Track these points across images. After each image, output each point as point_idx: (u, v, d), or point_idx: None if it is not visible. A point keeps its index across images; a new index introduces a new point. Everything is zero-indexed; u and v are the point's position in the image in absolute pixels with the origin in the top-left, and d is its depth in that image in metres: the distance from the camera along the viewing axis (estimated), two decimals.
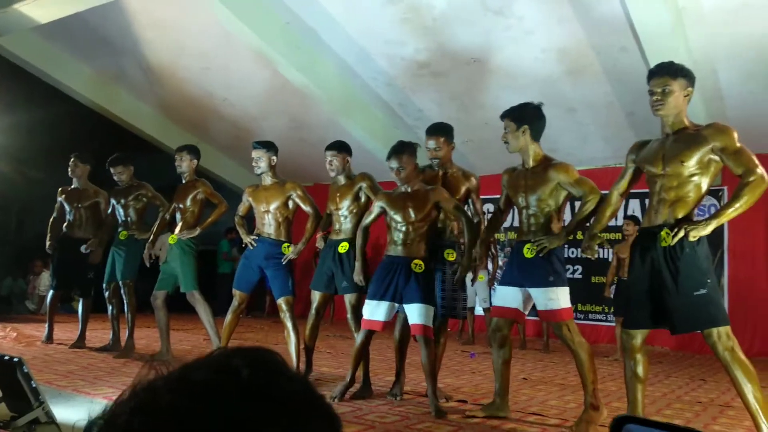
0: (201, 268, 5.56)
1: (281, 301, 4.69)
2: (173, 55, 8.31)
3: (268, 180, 4.75)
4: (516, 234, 4.15)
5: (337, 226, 4.56)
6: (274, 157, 4.72)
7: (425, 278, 3.92)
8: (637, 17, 5.52)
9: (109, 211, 6.09)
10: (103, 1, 6.34)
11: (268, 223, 4.76)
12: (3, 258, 9.95)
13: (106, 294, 5.96)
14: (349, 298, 4.44)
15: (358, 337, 4.11)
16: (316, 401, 0.61)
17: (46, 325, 6.26)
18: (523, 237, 3.69)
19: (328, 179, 4.71)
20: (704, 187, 3.05)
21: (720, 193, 7.74)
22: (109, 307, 5.98)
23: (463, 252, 4.32)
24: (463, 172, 4.33)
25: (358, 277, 4.22)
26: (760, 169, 2.90)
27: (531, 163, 3.66)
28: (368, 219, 4.23)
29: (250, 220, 4.98)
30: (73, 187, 6.24)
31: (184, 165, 5.39)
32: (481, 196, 4.46)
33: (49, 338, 6.18)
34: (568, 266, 8.53)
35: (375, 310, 3.97)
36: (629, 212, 7.41)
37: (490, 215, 4.48)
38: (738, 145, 2.95)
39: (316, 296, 4.60)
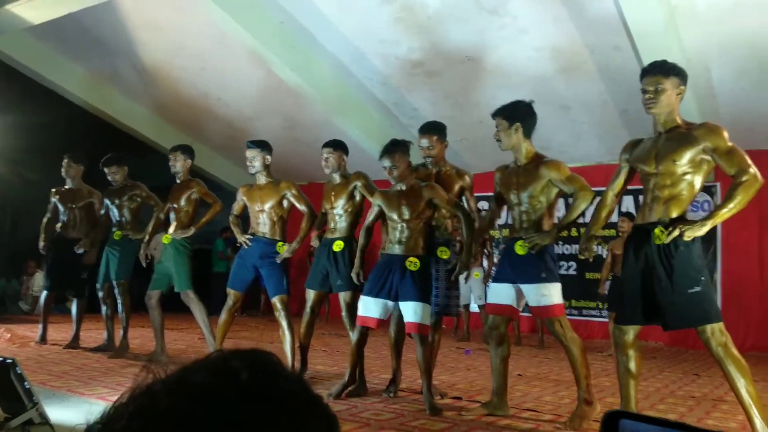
0: (196, 268, 5.56)
1: (276, 300, 4.70)
2: (167, 55, 8.29)
3: (262, 179, 4.76)
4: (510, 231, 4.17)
5: (331, 225, 4.57)
6: (269, 157, 4.73)
7: (421, 276, 3.93)
8: (630, 16, 5.54)
9: (103, 211, 6.08)
10: (96, 1, 6.31)
11: (263, 223, 4.77)
12: None
13: (100, 294, 5.95)
14: (343, 297, 4.45)
15: (354, 335, 4.13)
16: (314, 401, 0.61)
17: (40, 325, 6.25)
18: (515, 234, 3.71)
19: (323, 178, 4.71)
20: (697, 185, 3.07)
21: (713, 190, 7.78)
22: (103, 308, 5.96)
23: (456, 250, 4.34)
24: (456, 170, 4.34)
25: (356, 271, 4.23)
26: (753, 169, 2.92)
27: (523, 161, 3.68)
28: (370, 218, 4.23)
29: (245, 219, 4.98)
30: (66, 187, 6.22)
31: (179, 165, 5.39)
32: (477, 194, 4.47)
33: (43, 339, 6.17)
34: (562, 263, 8.57)
35: (369, 307, 3.98)
36: (623, 209, 7.43)
37: (483, 213, 4.50)
38: (729, 144, 2.97)
39: (310, 295, 4.61)
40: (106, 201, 5.99)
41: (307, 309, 4.61)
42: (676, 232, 2.94)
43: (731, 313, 6.76)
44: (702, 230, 2.94)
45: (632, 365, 3.13)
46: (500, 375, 3.70)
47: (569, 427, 3.40)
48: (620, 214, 6.91)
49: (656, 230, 3.02)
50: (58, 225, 6.20)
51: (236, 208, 4.95)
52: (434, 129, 4.28)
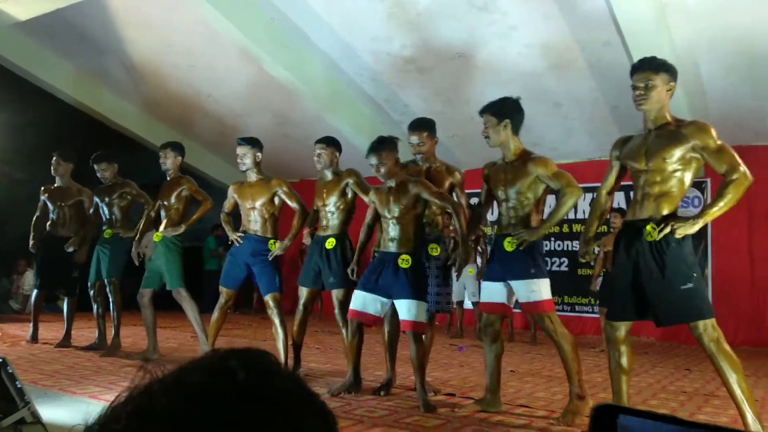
0: (187, 265, 5.54)
1: (268, 298, 4.69)
2: (157, 52, 8.25)
3: (253, 177, 4.74)
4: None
5: (323, 222, 4.56)
6: (259, 154, 4.72)
7: (414, 273, 3.91)
8: (620, 12, 5.56)
9: (93, 209, 6.05)
10: None
11: (254, 220, 4.75)
12: None
13: (91, 293, 5.92)
14: (336, 294, 4.45)
15: (348, 332, 4.11)
16: (310, 399, 0.61)
17: (31, 324, 6.22)
18: (503, 230, 3.72)
19: (315, 175, 4.70)
20: (687, 181, 3.08)
21: (704, 185, 7.83)
22: (95, 306, 5.94)
23: (447, 247, 4.34)
24: (446, 166, 4.33)
25: (352, 267, 4.22)
26: (743, 167, 2.93)
27: (511, 157, 3.69)
28: (368, 216, 4.20)
29: (236, 216, 4.97)
30: (56, 185, 6.19)
31: (169, 162, 5.38)
32: (468, 191, 4.47)
33: (34, 338, 6.14)
34: (554, 259, 8.60)
35: (364, 303, 3.97)
36: (615, 205, 7.46)
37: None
38: (719, 143, 2.98)
39: (303, 292, 4.61)
40: (96, 199, 5.97)
41: (300, 306, 4.60)
42: (668, 229, 2.95)
43: (722, 309, 6.79)
44: (693, 228, 2.95)
45: (624, 361, 3.14)
46: (494, 372, 3.71)
47: (562, 422, 3.41)
48: (612, 209, 6.93)
49: (648, 227, 3.03)
50: (48, 223, 6.16)
51: (227, 205, 4.93)
52: (424, 125, 4.27)
